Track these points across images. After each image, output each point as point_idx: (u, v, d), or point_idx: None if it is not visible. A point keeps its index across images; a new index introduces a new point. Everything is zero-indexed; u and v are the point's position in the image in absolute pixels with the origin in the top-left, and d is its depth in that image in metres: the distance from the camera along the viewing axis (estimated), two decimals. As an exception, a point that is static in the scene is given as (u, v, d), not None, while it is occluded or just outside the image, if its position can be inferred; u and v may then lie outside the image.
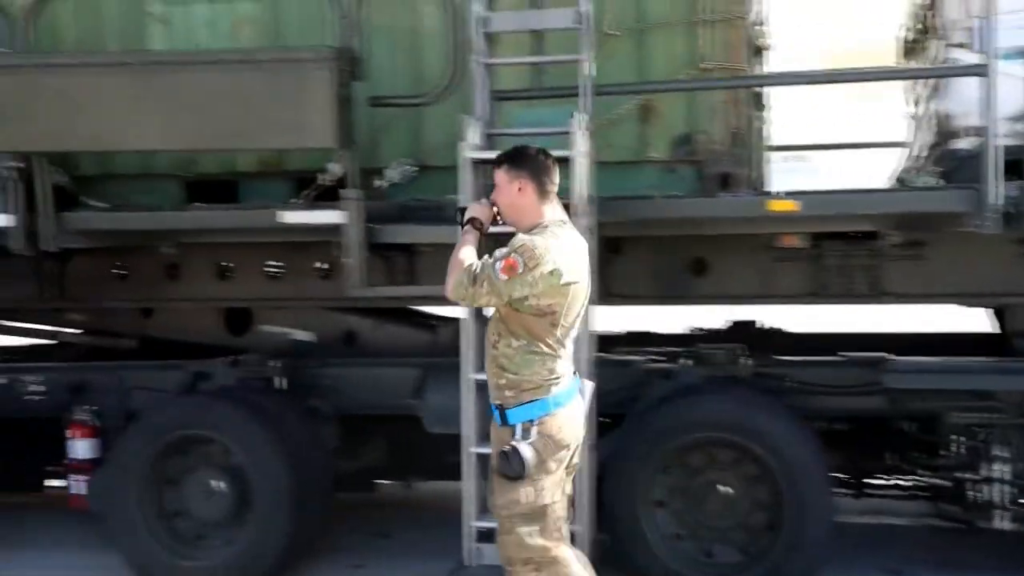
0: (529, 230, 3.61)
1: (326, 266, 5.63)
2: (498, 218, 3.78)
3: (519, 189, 3.67)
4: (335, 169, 4.97)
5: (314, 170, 5.07)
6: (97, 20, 5.28)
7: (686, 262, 5.35)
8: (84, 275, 5.93)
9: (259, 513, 5.07)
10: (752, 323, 6.10)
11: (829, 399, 5.02)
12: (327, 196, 5.03)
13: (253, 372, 5.46)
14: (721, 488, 4.84)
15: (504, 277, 3.47)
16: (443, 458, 5.45)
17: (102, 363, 5.85)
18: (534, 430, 3.54)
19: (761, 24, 5.23)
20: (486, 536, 4.59)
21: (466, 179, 4.58)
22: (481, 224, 3.74)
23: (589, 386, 3.86)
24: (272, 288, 5.78)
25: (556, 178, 3.73)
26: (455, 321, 5.65)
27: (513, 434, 3.56)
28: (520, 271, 3.46)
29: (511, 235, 3.65)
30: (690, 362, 5.09)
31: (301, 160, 5.23)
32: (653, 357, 5.23)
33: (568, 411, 3.62)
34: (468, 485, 4.59)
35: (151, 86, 4.74)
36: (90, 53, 5.06)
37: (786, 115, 6.47)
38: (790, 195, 4.63)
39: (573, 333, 3.68)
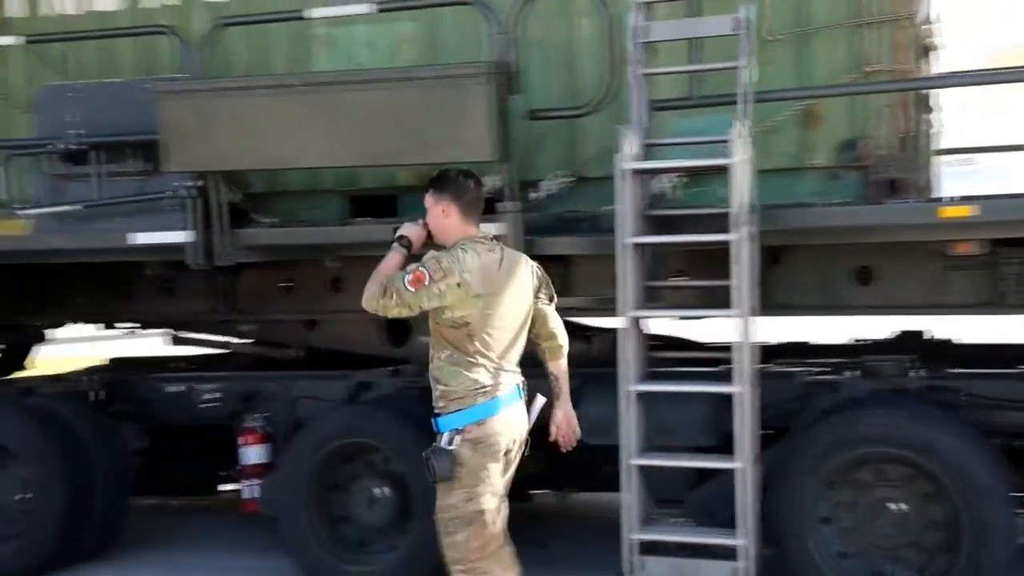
0: (450, 246, 3.81)
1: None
2: (430, 239, 3.94)
3: (443, 211, 3.86)
4: (492, 183, 4.97)
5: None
6: (265, 44, 5.44)
7: (850, 271, 5.11)
8: (254, 288, 6.12)
9: (419, 520, 5.09)
10: (921, 334, 5.80)
11: (1009, 414, 4.71)
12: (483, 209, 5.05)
13: (412, 382, 5.51)
14: (892, 506, 4.58)
15: (411, 289, 3.66)
16: (600, 469, 5.38)
17: (271, 373, 6.01)
18: (457, 438, 3.68)
19: (929, 23, 4.97)
20: (648, 548, 4.49)
21: (623, 190, 4.51)
22: (410, 243, 3.93)
23: (539, 400, 3.93)
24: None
25: (480, 198, 3.94)
26: (611, 331, 5.57)
27: (443, 441, 3.70)
28: (426, 283, 3.65)
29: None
30: (857, 374, 4.87)
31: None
32: (817, 369, 5.03)
33: (499, 420, 3.71)
34: (627, 497, 4.50)
35: (316, 106, 4.84)
36: (260, 76, 5.20)
37: (952, 116, 6.15)
38: (965, 200, 4.37)
39: (506, 344, 3.77)
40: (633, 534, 4.48)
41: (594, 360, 5.50)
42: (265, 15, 5.29)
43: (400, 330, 6.07)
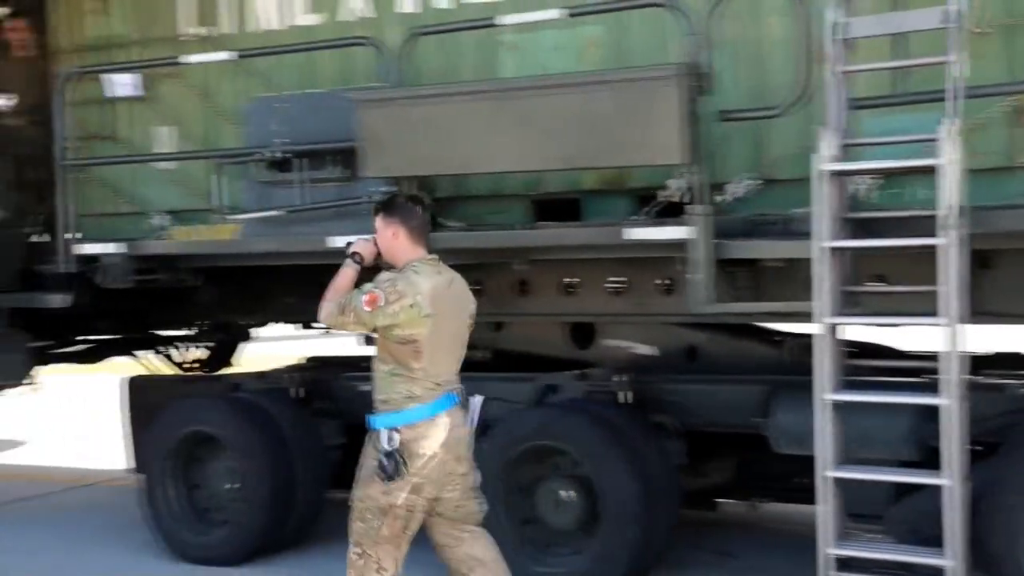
0: (402, 268, 3.97)
1: (668, 282, 5.52)
2: (380, 256, 4.11)
3: (393, 234, 4.03)
4: (676, 185, 4.84)
5: (655, 187, 4.96)
6: (456, 52, 5.47)
7: (1067, 276, 4.72)
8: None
9: (607, 525, 5.02)
10: None
11: None
12: (666, 212, 4.93)
13: (599, 386, 5.43)
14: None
15: (367, 309, 3.84)
16: (791, 479, 5.16)
17: (461, 374, 6.04)
18: (396, 436, 3.85)
19: None
20: (844, 564, 4.26)
21: (820, 192, 4.29)
22: (362, 259, 4.10)
23: (476, 399, 4.14)
24: (614, 303, 5.74)
25: (427, 221, 4.17)
26: (804, 337, 5.34)
27: (379, 438, 3.89)
28: (381, 304, 3.83)
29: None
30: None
31: (643, 177, 5.14)
32: (1032, 381, 4.67)
33: (424, 427, 3.89)
34: (823, 509, 4.28)
35: (507, 111, 4.84)
36: (454, 84, 5.24)
37: None
38: None
39: (447, 360, 4.00)
40: (830, 549, 4.26)
41: (785, 367, 5.29)
42: (458, 23, 5.32)
43: (586, 333, 6.02)
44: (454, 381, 4.05)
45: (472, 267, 5.87)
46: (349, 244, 4.21)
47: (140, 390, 6.86)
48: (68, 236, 6.18)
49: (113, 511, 7.02)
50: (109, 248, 5.99)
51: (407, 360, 3.91)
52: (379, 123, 5.05)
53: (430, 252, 4.12)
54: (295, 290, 6.60)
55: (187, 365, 7.82)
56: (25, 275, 6.67)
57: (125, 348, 7.78)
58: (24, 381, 6.93)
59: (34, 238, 6.92)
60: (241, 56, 5.81)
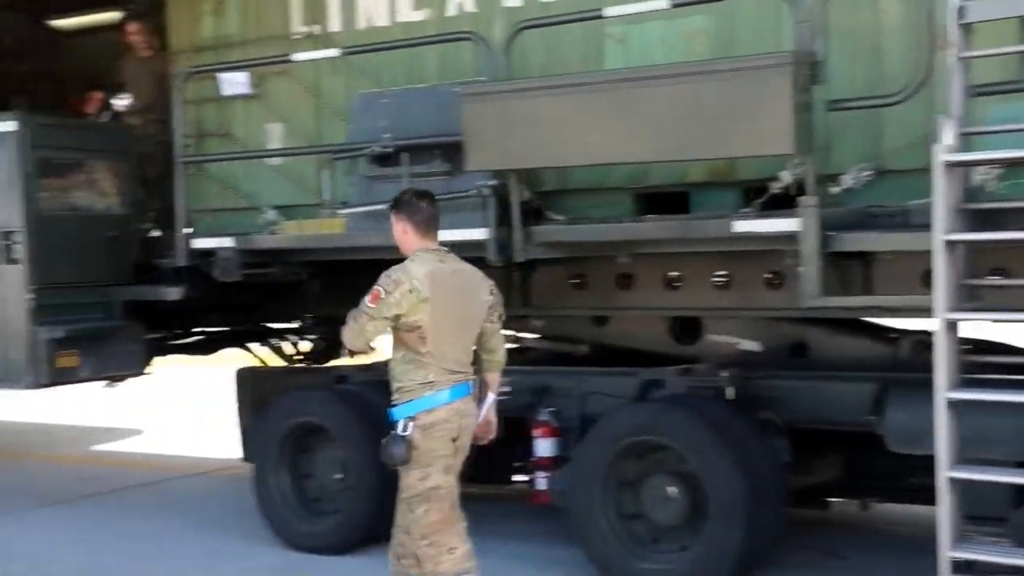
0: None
1: (775, 275, 5.39)
2: None
3: (402, 230, 4.31)
4: (786, 176, 4.72)
5: (764, 178, 4.85)
6: (560, 45, 5.44)
7: None
8: (546, 284, 6.17)
9: (712, 522, 4.92)
10: None
11: None
12: (775, 204, 4.80)
13: (704, 381, 5.34)
14: None
15: (372, 305, 4.07)
16: (901, 479, 4.99)
17: (563, 368, 6.03)
18: (411, 425, 4.06)
19: None
20: (962, 567, 4.09)
21: (939, 183, 4.12)
22: None
23: (490, 398, 4.40)
24: (719, 297, 5.64)
25: (434, 215, 4.33)
26: (919, 334, 5.16)
27: (398, 428, 4.08)
28: (383, 296, 4.06)
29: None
30: None
31: (751, 169, 5.03)
32: None
33: (446, 409, 4.10)
34: (942, 511, 4.10)
35: (613, 103, 4.77)
36: (559, 76, 5.20)
37: None
38: None
39: (453, 347, 4.16)
40: (950, 551, 4.09)
41: (900, 364, 5.11)
42: (563, 16, 5.28)
43: (690, 328, 5.93)
44: (467, 370, 4.24)
45: (574, 261, 5.86)
46: None
47: (249, 381, 7.02)
48: (184, 231, 6.35)
49: (226, 499, 7.19)
50: (224, 242, 6.14)
51: (416, 346, 4.12)
52: (484, 117, 5.04)
53: (440, 244, 4.34)
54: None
55: (296, 357, 7.96)
56: (140, 269, 6.90)
57: (237, 340, 7.97)
58: (141, 372, 7.15)
59: (151, 233, 7.16)
60: (348, 53, 5.88)
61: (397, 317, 4.08)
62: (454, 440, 4.16)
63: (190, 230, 6.40)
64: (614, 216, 5.38)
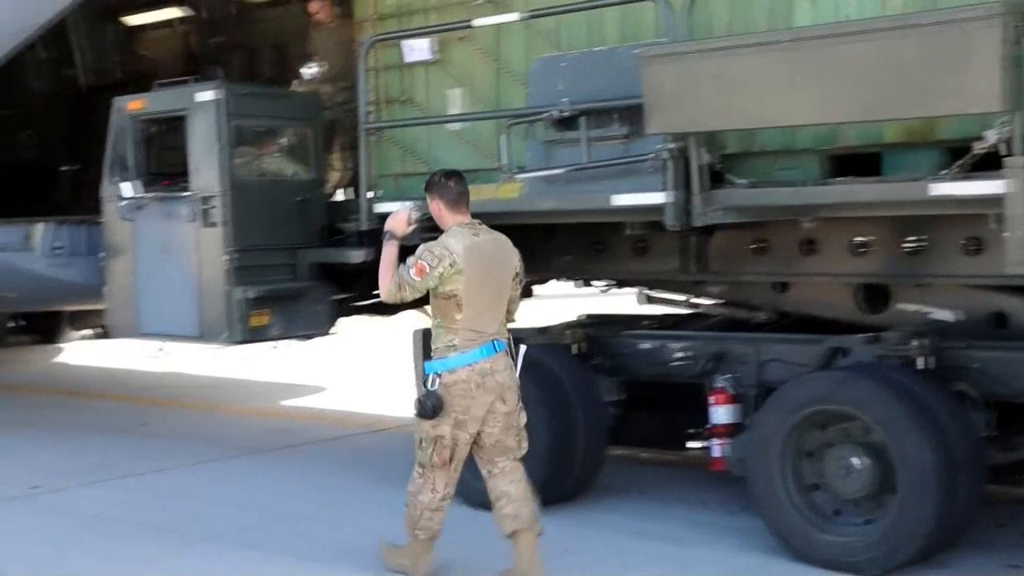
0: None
1: (973, 241, 5.08)
2: (412, 224, 4.81)
3: (437, 208, 4.71)
4: (992, 136, 4.41)
5: (968, 138, 4.55)
6: (746, 3, 5.25)
7: None
8: (724, 249, 6.02)
9: (902, 496, 4.71)
10: None
11: None
12: (976, 166, 4.50)
13: (894, 350, 5.09)
14: None
15: (417, 279, 4.53)
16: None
17: (742, 334, 5.88)
18: (437, 380, 4.53)
19: None
20: None
21: None
22: (395, 235, 4.76)
23: (522, 349, 4.73)
24: (911, 264, 5.36)
25: (463, 191, 4.71)
26: None
27: (427, 382, 4.57)
28: (427, 271, 4.50)
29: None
30: None
31: (953, 128, 4.73)
32: None
33: (464, 372, 4.52)
34: None
35: (804, 62, 4.57)
36: (746, 35, 5.02)
37: None
38: None
39: (485, 312, 4.56)
40: None
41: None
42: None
43: (879, 296, 5.67)
44: (498, 331, 4.62)
45: (755, 225, 5.68)
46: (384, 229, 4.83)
47: (425, 341, 7.15)
48: (368, 195, 6.51)
49: (402, 455, 7.34)
50: (408, 206, 6.24)
51: (451, 313, 4.54)
52: (666, 78, 4.93)
53: (472, 216, 4.73)
54: (573, 248, 6.65)
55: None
56: (327, 232, 7.13)
57: (418, 302, 8.13)
58: (327, 332, 7.40)
59: (336, 197, 7.38)
60: (529, 17, 5.85)
61: (436, 288, 4.53)
62: (471, 397, 4.53)
63: (373, 194, 6.56)
64: (801, 179, 5.17)
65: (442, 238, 4.59)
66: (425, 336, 7.13)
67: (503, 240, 4.72)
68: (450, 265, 4.47)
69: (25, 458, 7.45)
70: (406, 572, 4.83)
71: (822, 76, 4.52)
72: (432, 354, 4.64)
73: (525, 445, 4.74)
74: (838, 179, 5.05)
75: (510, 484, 4.68)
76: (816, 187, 5.05)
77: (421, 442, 4.64)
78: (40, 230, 7.79)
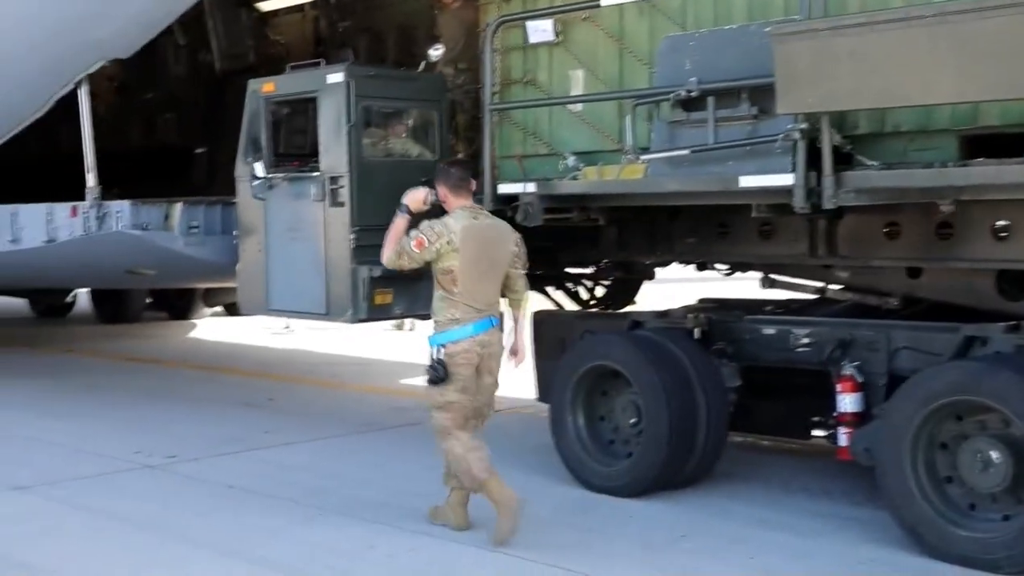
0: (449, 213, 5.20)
1: None
2: (426, 204, 5.27)
3: (442, 193, 5.24)
4: None
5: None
6: (884, -23, 5.05)
7: None
8: (854, 233, 5.82)
9: (1044, 493, 4.49)
10: None
11: None
12: None
13: (1038, 340, 4.85)
14: None
15: (417, 251, 5.08)
16: None
17: (871, 321, 5.69)
18: (442, 351, 5.05)
19: None
20: None
21: None
22: (409, 209, 5.22)
23: (508, 328, 5.30)
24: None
25: (463, 178, 5.28)
26: None
27: (432, 353, 5.08)
28: (427, 245, 5.05)
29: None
30: None
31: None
32: None
33: (467, 341, 5.06)
34: None
35: (943, 38, 4.37)
36: (885, 11, 4.81)
37: None
38: None
39: (480, 289, 5.10)
40: None
41: None
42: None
43: (1019, 284, 5.40)
44: (492, 307, 5.15)
45: (887, 208, 5.46)
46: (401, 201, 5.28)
47: (545, 324, 7.16)
48: (491, 177, 6.53)
49: (522, 437, 7.41)
50: (529, 187, 6.25)
51: (449, 287, 5.06)
52: (797, 56, 4.77)
53: (476, 202, 5.36)
54: (696, 231, 6.54)
55: (591, 302, 8.04)
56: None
57: (535, 283, 8.13)
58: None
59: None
60: (653, -4, 5.76)
61: (435, 262, 5.05)
62: (476, 366, 5.09)
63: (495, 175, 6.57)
64: (937, 160, 4.96)
65: (445, 218, 5.12)
66: (542, 320, 7.17)
67: (501, 225, 5.31)
68: (447, 243, 5.01)
69: (162, 428, 7.77)
70: (449, 524, 5.30)
71: (965, 52, 4.32)
72: (435, 327, 5.13)
73: (492, 411, 5.39)
74: (979, 160, 4.82)
75: (475, 439, 5.19)
76: (958, 168, 4.83)
77: (434, 411, 5.15)
78: (178, 210, 8.08)
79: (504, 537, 5.01)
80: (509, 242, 5.26)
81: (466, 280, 5.04)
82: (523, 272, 5.33)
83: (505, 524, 4.99)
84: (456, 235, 5.03)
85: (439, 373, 5.04)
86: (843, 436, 5.40)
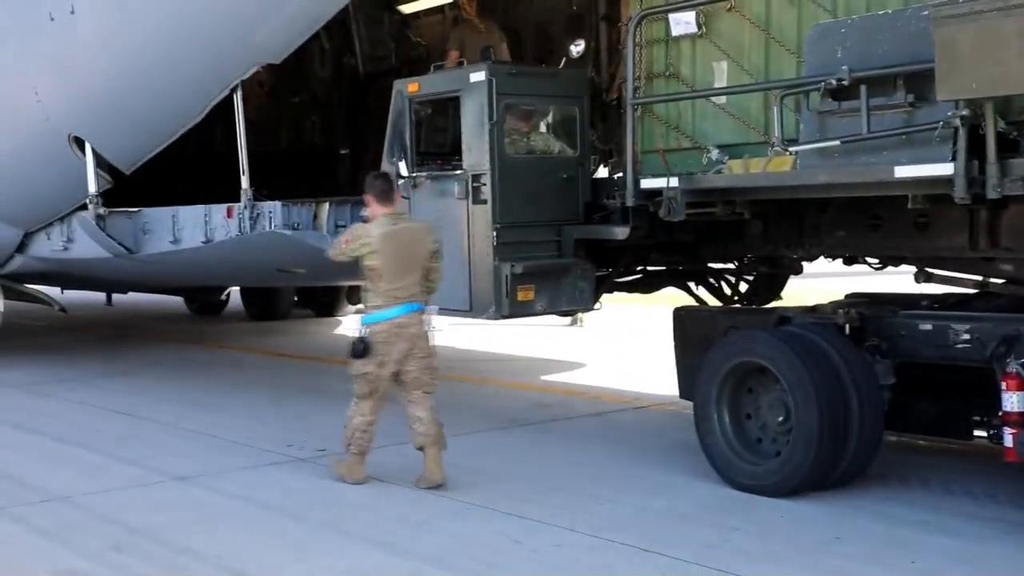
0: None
1: None
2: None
3: (368, 201, 6.14)
4: None
5: None
6: (1052, -47, 4.77)
7: None
8: (1018, 224, 5.54)
9: None
10: None
11: None
12: None
13: None
14: None
15: (344, 246, 6.09)
16: None
17: (1039, 316, 5.40)
18: (366, 331, 6.03)
19: None
20: None
21: None
22: (366, 218, 6.27)
23: (432, 310, 6.20)
24: None
25: (385, 189, 6.17)
26: None
27: (359, 331, 6.06)
28: (351, 241, 6.05)
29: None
30: None
31: None
32: None
33: (385, 326, 6.01)
34: None
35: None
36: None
37: None
38: None
39: (400, 281, 6.01)
40: None
41: None
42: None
43: None
44: (414, 295, 6.03)
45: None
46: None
47: (686, 321, 7.06)
48: (633, 171, 6.49)
49: (664, 433, 7.35)
50: (673, 182, 6.18)
51: (375, 281, 6.01)
52: (961, 40, 4.57)
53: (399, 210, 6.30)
54: (846, 223, 6.34)
55: (734, 298, 7.90)
56: (589, 208, 7.17)
57: (677, 279, 8.06)
58: (590, 307, 7.46)
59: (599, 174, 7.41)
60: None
61: (362, 259, 5.97)
62: (400, 346, 6.00)
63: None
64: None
65: (367, 224, 6.10)
66: (684, 316, 7.09)
67: (418, 227, 6.27)
68: (364, 245, 5.96)
69: (313, 422, 8.01)
70: (344, 479, 6.18)
71: None
72: (364, 311, 6.14)
73: (437, 382, 6.17)
74: None
75: (421, 411, 6.07)
76: None
77: (352, 378, 6.07)
78: (326, 209, 8.33)
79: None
80: (427, 241, 6.13)
81: (387, 275, 5.96)
82: (439, 265, 6.20)
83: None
84: (374, 240, 5.96)
85: (359, 348, 6.00)
86: (1008, 436, 5.14)
